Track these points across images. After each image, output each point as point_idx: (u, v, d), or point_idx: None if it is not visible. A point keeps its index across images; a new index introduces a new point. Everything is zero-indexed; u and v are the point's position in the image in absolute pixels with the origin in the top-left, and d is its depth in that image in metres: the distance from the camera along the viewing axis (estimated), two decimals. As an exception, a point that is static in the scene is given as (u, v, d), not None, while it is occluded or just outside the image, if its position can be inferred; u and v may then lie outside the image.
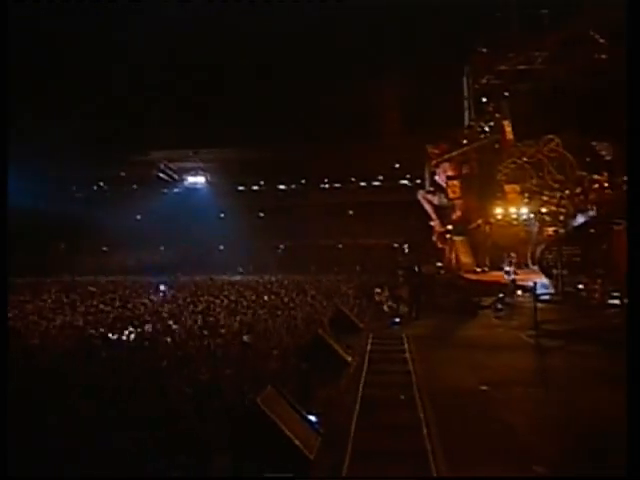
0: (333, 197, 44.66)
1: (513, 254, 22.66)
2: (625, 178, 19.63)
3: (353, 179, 44.93)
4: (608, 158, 22.73)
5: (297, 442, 5.56)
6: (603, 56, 23.52)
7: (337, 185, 45.51)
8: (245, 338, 10.60)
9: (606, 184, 20.95)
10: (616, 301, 14.60)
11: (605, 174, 21.57)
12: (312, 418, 6.41)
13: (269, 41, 35.51)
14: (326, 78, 37.71)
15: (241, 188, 46.74)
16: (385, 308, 17.74)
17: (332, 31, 35.12)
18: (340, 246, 42.62)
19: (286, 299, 18.60)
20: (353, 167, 42.10)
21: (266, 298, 19.21)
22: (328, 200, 43.99)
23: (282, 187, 46.77)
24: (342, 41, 35.44)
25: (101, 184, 47.54)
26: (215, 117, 38.80)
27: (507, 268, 21.29)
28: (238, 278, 32.01)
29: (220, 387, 7.31)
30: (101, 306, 17.84)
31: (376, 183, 44.79)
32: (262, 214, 45.60)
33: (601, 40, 23.54)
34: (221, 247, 43.02)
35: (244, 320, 13.68)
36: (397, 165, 41.88)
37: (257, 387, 6.44)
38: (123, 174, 45.32)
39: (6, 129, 7.41)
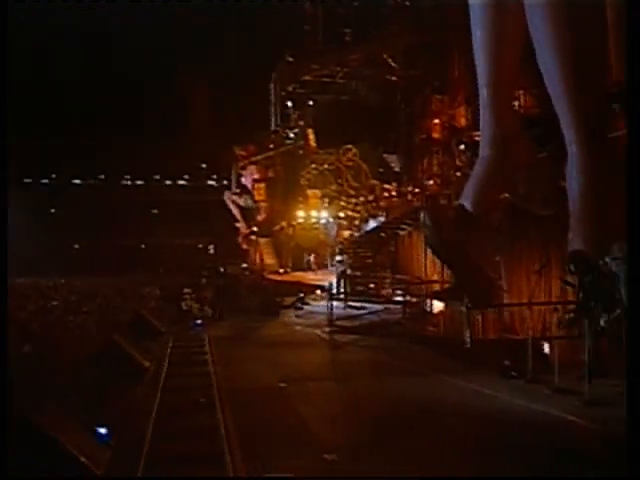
0: (136, 195, 42.42)
1: (313, 256, 23.87)
2: (410, 188, 22.00)
3: (157, 177, 43.24)
4: (397, 169, 25.24)
5: (82, 459, 5.12)
6: (394, 78, 26.01)
7: (140, 182, 43.35)
8: (26, 348, 9.48)
9: (394, 192, 23.20)
10: (400, 298, 16.22)
11: (394, 184, 23.90)
12: (102, 430, 5.97)
13: (82, 35, 32.85)
14: (135, 75, 35.90)
15: (27, 180, 41.89)
16: (188, 309, 17.36)
17: (149, 30, 33.64)
18: (143, 246, 40.68)
19: (79, 303, 17.16)
20: (157, 165, 40.59)
21: (55, 303, 17.52)
22: (130, 198, 41.67)
23: (77, 182, 43.04)
24: (155, 40, 34.12)
25: None
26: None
27: (338, 267, 21.82)
28: (22, 280, 28.61)
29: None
30: None
31: (182, 182, 43.73)
32: (53, 210, 41.46)
33: (393, 64, 26.02)
34: None
35: (27, 328, 12.26)
36: (204, 165, 41.42)
37: (38, 403, 5.79)
38: None
39: (6, 132, 7.38)
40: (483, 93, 11.40)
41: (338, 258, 20.88)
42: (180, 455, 5.88)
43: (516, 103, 12.93)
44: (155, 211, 42.36)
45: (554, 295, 10.22)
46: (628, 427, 4.01)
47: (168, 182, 43.58)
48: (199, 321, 15.36)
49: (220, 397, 7.87)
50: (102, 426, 6.04)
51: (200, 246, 40.37)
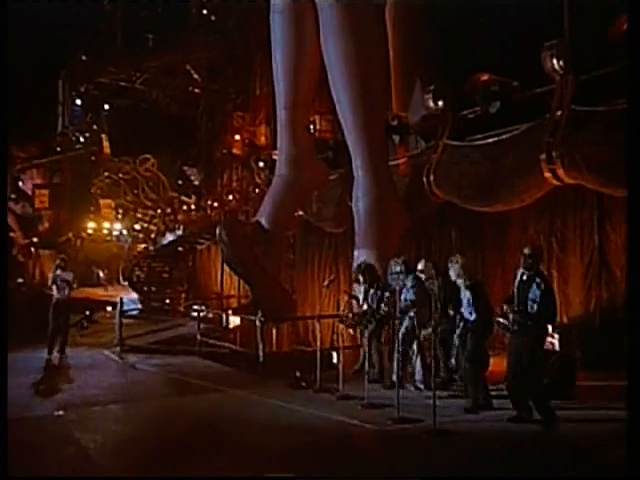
0: None
1: (103, 271, 22.30)
2: (209, 202, 21.83)
3: None
4: (196, 183, 24.88)
5: None
6: (197, 90, 25.72)
7: None
8: None
9: (193, 206, 22.84)
10: (196, 313, 15.89)
11: (193, 197, 23.51)
12: None
13: None
14: None
15: None
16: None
17: None
18: None
19: None
20: None
21: None
22: None
23: None
24: None
25: None
26: None
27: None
28: None
29: None
30: None
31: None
32: None
33: (195, 75, 25.72)
34: None
35: None
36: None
37: None
38: None
39: (6, 129, 7.73)
40: (281, 115, 11.91)
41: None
42: None
43: (311, 127, 13.70)
44: None
45: (341, 308, 10.95)
46: (629, 428, 4.15)
47: None
48: (-44, 346, 13.18)
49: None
50: None
51: (-37, 258, 34.95)
